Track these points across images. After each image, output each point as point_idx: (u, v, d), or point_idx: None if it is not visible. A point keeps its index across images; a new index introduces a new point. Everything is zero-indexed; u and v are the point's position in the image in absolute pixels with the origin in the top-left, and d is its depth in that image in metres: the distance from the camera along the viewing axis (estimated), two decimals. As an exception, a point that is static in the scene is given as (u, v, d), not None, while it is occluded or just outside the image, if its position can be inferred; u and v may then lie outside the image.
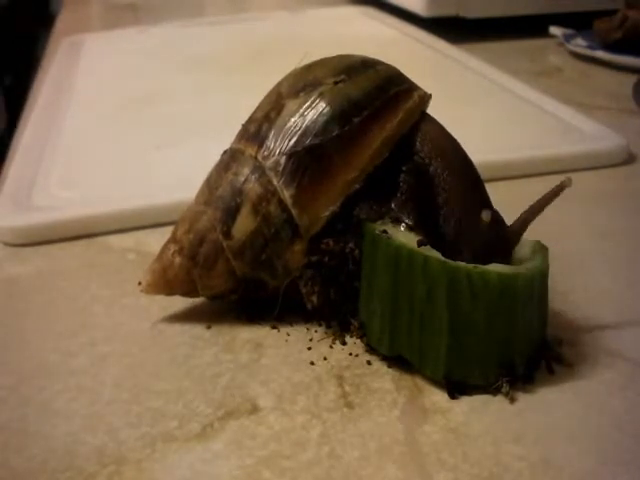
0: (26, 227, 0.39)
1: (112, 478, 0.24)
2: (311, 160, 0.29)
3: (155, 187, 0.42)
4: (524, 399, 0.27)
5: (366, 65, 0.31)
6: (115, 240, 0.39)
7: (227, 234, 0.30)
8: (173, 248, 0.31)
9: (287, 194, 0.29)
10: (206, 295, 0.31)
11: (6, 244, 0.39)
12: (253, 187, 0.29)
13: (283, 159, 0.29)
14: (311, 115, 0.29)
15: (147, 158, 0.46)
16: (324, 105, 0.29)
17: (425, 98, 0.31)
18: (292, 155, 0.29)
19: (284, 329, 0.31)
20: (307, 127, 0.29)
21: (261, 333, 0.31)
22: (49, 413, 0.27)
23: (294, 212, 0.29)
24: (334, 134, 0.29)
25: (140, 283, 0.31)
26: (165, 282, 0.31)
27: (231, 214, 0.30)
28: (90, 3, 1.01)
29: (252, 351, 0.30)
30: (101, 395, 0.28)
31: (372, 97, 0.30)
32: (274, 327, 0.31)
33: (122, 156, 0.47)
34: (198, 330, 0.31)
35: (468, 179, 0.30)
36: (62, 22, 0.91)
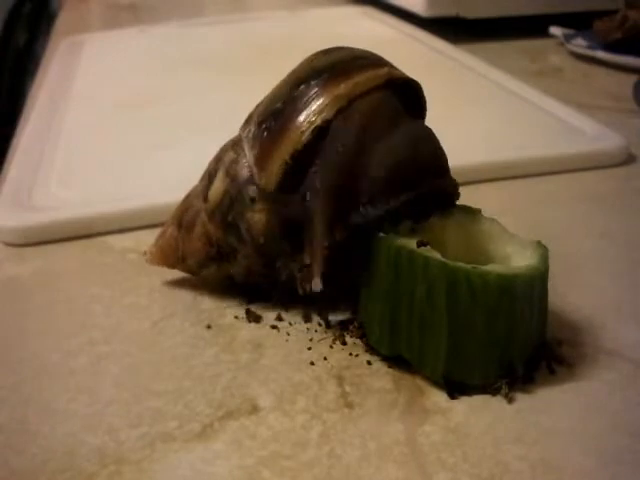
0: (26, 227, 0.39)
1: (112, 478, 0.24)
2: (272, 121, 0.30)
3: (155, 187, 0.42)
4: (524, 399, 0.27)
5: (352, 49, 0.32)
6: (115, 240, 0.39)
7: (205, 198, 0.32)
8: (170, 221, 0.34)
9: (251, 155, 0.30)
10: (192, 265, 0.33)
11: (6, 244, 0.39)
12: (228, 153, 0.32)
13: (254, 126, 0.30)
14: (284, 88, 0.31)
15: (147, 158, 0.46)
16: (295, 78, 0.31)
17: (394, 75, 0.31)
18: (261, 122, 0.30)
19: (284, 329, 0.31)
20: (277, 96, 0.31)
21: (261, 333, 0.31)
22: (49, 413, 0.27)
23: (255, 171, 0.30)
24: (292, 95, 0.30)
25: (145, 253, 0.34)
26: (161, 252, 0.33)
27: (211, 180, 0.32)
28: (90, 3, 1.01)
29: (252, 351, 0.30)
30: (101, 395, 0.28)
31: (335, 65, 0.30)
32: (274, 327, 0.31)
33: (122, 156, 0.47)
34: (198, 330, 0.31)
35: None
36: (62, 22, 0.91)
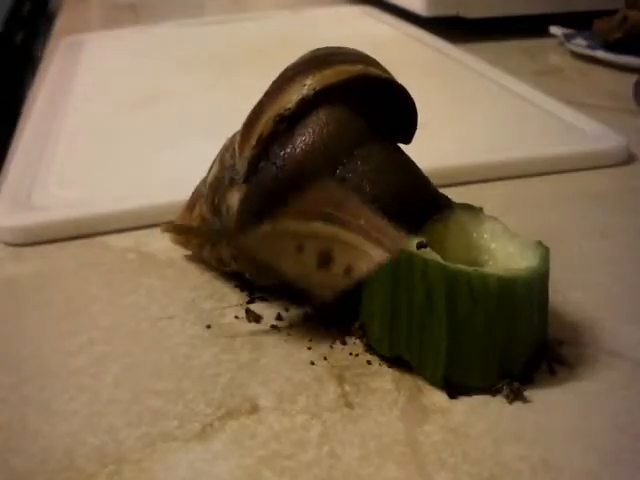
0: (26, 227, 0.39)
1: (112, 478, 0.24)
2: (254, 111, 0.32)
3: (155, 187, 0.42)
4: (524, 399, 0.27)
5: (339, 47, 0.33)
6: (115, 240, 0.39)
7: (205, 182, 0.34)
8: (185, 204, 0.35)
9: (237, 142, 0.31)
10: (195, 245, 0.35)
11: (6, 244, 0.39)
12: (225, 142, 0.33)
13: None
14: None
15: (147, 158, 0.46)
16: (280, 73, 0.32)
17: (369, 73, 0.31)
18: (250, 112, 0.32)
19: (284, 329, 0.31)
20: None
21: (261, 333, 0.31)
22: (49, 413, 0.27)
23: (237, 155, 0.31)
24: (270, 87, 0.32)
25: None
26: (174, 227, 0.36)
27: (211, 167, 0.34)
28: (90, 3, 1.01)
29: (252, 351, 0.30)
30: (101, 395, 0.28)
31: (312, 60, 0.31)
32: (274, 327, 0.31)
33: (122, 156, 0.47)
34: (198, 330, 0.31)
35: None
36: (62, 22, 0.91)
